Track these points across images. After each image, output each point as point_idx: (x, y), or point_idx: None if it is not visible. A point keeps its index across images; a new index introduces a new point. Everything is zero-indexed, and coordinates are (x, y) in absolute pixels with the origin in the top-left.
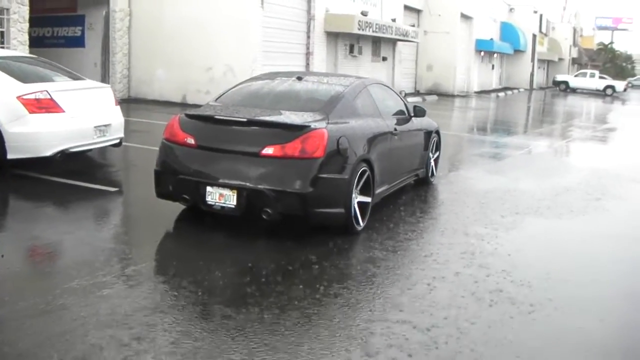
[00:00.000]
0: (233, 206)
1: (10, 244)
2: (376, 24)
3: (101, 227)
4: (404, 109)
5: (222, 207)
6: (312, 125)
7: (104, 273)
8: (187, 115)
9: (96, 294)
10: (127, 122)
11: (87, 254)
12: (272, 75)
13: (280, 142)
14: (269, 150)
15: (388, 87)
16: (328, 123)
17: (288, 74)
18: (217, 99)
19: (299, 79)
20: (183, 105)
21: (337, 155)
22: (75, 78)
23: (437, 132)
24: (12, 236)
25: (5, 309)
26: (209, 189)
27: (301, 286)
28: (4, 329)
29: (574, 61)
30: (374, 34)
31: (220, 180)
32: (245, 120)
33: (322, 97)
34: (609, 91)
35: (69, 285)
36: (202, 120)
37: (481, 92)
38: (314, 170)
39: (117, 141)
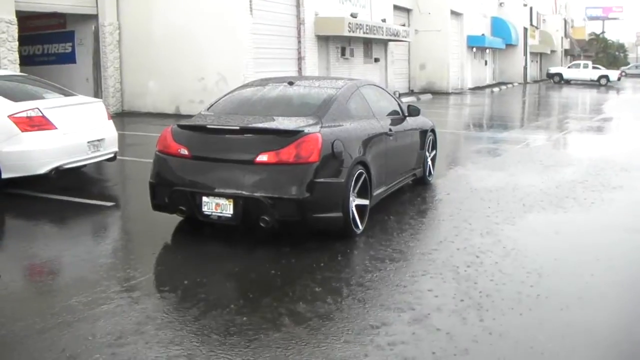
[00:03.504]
0: (230, 215)
1: (8, 263)
2: (366, 25)
3: (99, 242)
4: (397, 109)
5: (219, 217)
6: (306, 129)
7: (102, 289)
8: (180, 126)
9: (95, 310)
10: (121, 136)
11: (86, 270)
12: (263, 82)
13: (275, 149)
14: (263, 157)
15: (381, 87)
16: (322, 127)
17: (279, 80)
18: (208, 108)
19: (291, 84)
20: (177, 116)
21: (332, 158)
22: (66, 94)
23: (433, 131)
24: (9, 255)
25: (3, 329)
26: (204, 199)
27: (305, 295)
28: (2, 350)
29: (567, 52)
30: (365, 36)
31: (216, 190)
32: (238, 128)
33: (315, 101)
34: (603, 81)
35: (68, 303)
36: (194, 131)
37: (475, 89)
38: (309, 175)
39: (112, 155)
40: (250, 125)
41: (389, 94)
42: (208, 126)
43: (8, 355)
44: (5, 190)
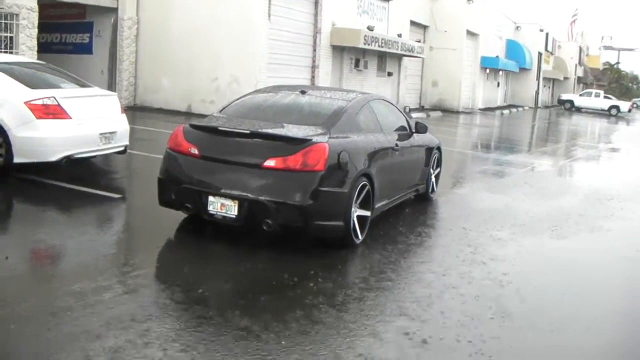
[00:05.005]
0: (234, 216)
1: (14, 247)
2: (382, 39)
3: (104, 232)
4: (405, 124)
5: (223, 217)
6: (314, 139)
7: (105, 278)
8: (192, 126)
9: (97, 298)
10: (132, 130)
11: (90, 258)
12: (276, 89)
13: (282, 155)
14: (270, 163)
15: (390, 102)
16: (330, 137)
17: (292, 88)
18: (221, 110)
19: (303, 92)
20: (188, 114)
21: (337, 169)
22: (82, 85)
23: (439, 149)
24: (16, 239)
25: (7, 310)
26: (210, 198)
27: (297, 299)
28: (5, 330)
29: (580, 80)
30: (380, 49)
31: (222, 191)
32: (248, 132)
33: (325, 112)
34: (613, 111)
35: (71, 289)
36: (206, 131)
37: (486, 109)
38: (314, 183)
39: (122, 148)
40: (260, 130)
41: (398, 109)
42: (219, 128)
43: (10, 335)
44: (16, 175)
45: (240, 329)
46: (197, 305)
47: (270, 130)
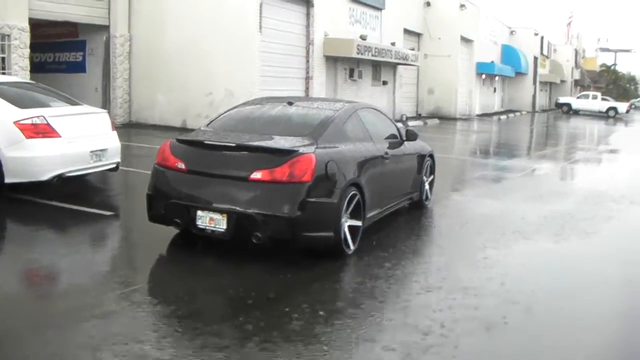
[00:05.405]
0: (223, 230)
1: (6, 267)
2: (375, 48)
3: (96, 250)
4: (395, 132)
5: (213, 231)
6: (301, 149)
7: (97, 294)
8: (178, 140)
9: (89, 315)
10: (127, 147)
11: (82, 276)
12: (263, 101)
13: (269, 167)
14: (257, 175)
15: (379, 111)
16: (317, 147)
17: (280, 99)
18: (208, 124)
19: (290, 104)
20: (183, 129)
21: (325, 179)
22: (72, 103)
23: (431, 156)
24: (8, 259)
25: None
26: (199, 213)
27: (288, 312)
28: None
29: (577, 83)
30: (374, 58)
31: (210, 205)
32: (234, 145)
33: (312, 122)
34: (611, 113)
35: (63, 307)
36: (192, 145)
37: (483, 115)
38: (302, 194)
39: (114, 166)
40: (246, 143)
41: (388, 117)
42: (205, 142)
43: (2, 352)
44: (8, 195)
45: (232, 345)
46: (189, 320)
47: (256, 143)
